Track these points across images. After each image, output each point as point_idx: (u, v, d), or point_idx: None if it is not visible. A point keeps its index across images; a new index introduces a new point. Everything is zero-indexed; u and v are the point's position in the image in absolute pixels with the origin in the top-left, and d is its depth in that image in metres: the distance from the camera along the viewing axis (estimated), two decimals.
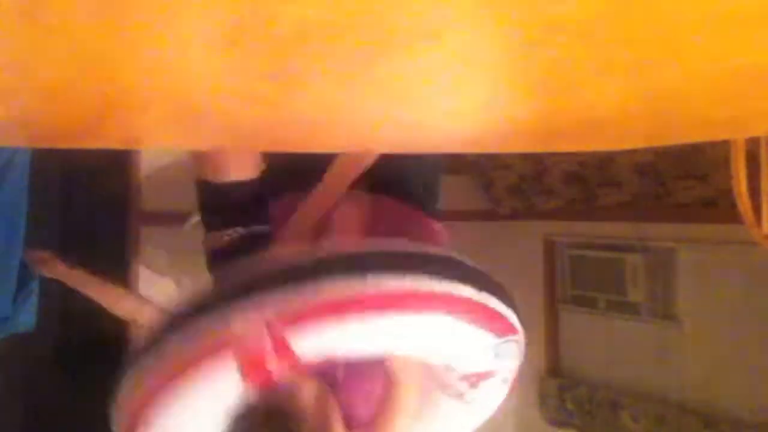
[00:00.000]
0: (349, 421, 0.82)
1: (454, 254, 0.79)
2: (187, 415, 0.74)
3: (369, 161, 0.91)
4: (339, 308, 0.69)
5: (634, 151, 2.38)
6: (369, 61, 0.29)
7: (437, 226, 1.01)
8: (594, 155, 2.56)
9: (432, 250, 0.81)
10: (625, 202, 2.71)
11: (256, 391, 0.73)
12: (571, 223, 3.03)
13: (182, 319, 0.74)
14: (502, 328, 0.80)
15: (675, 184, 2.45)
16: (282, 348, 0.69)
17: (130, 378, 0.75)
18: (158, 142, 0.87)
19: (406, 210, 0.98)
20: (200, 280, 0.85)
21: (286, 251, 0.83)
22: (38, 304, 1.51)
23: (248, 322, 0.69)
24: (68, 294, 1.66)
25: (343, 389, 0.84)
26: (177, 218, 2.58)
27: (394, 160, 0.90)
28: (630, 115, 0.50)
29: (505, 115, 0.49)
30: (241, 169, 0.88)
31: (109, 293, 0.96)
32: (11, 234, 1.34)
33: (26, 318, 1.44)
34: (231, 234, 0.87)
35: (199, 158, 0.90)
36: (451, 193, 3.29)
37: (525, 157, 2.87)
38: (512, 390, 0.92)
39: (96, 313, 1.65)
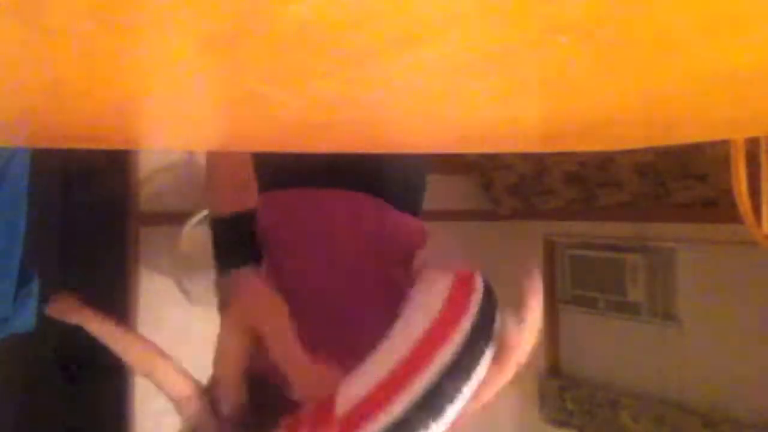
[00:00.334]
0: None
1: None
2: None
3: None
4: None
5: (634, 151, 2.38)
6: (369, 61, 0.29)
7: (416, 224, 1.00)
8: (594, 155, 2.56)
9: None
10: (625, 202, 2.71)
11: None
12: (571, 223, 3.03)
13: None
14: None
15: (675, 184, 2.46)
16: None
17: None
18: (158, 143, 0.87)
19: (387, 209, 0.98)
20: (200, 280, 0.84)
21: None
22: (38, 304, 1.52)
23: None
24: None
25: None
26: (177, 218, 2.58)
27: (378, 158, 0.90)
28: (630, 115, 0.50)
29: (505, 115, 0.49)
30: (242, 200, 0.87)
31: (125, 342, 0.93)
32: (11, 234, 1.34)
33: (26, 318, 1.44)
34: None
35: (205, 193, 0.89)
36: (451, 193, 3.31)
37: (525, 157, 2.87)
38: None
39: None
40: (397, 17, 0.22)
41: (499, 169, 3.12)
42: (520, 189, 3.12)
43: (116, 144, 0.65)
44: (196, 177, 2.67)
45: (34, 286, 1.46)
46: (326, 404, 0.67)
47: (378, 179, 0.99)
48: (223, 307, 0.87)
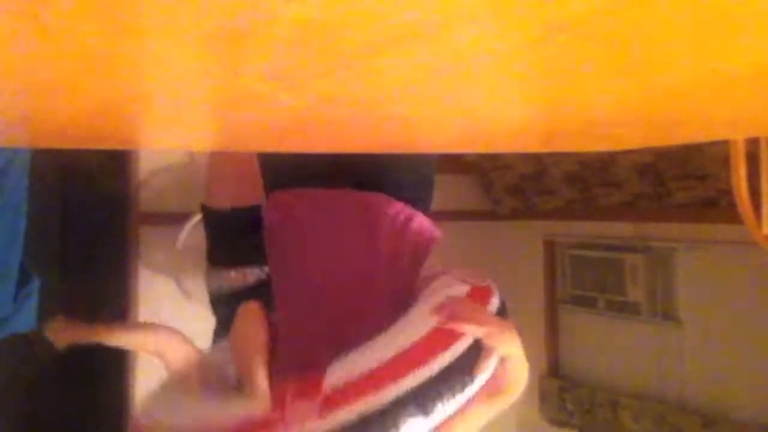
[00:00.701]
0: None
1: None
2: None
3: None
4: None
5: (634, 151, 2.38)
6: (369, 61, 0.29)
7: (427, 222, 0.99)
8: (594, 155, 2.56)
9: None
10: (625, 202, 2.71)
11: None
12: (571, 223, 3.03)
13: None
14: None
15: (675, 184, 2.45)
16: None
17: None
18: (158, 142, 0.87)
19: (396, 206, 0.97)
20: (199, 279, 0.84)
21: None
22: (38, 304, 1.51)
23: None
24: (68, 294, 1.66)
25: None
26: (177, 218, 2.58)
27: (386, 155, 0.89)
28: (630, 115, 0.50)
29: (506, 115, 0.49)
30: (243, 196, 0.87)
31: (128, 334, 0.93)
32: (11, 234, 1.34)
33: (26, 318, 1.43)
34: (248, 273, 0.84)
35: (205, 185, 0.88)
36: (451, 193, 3.31)
37: (525, 157, 2.87)
38: None
39: (96, 313, 1.65)
40: (396, 17, 0.22)
41: (499, 169, 3.12)
42: (520, 189, 3.12)
43: (116, 144, 0.65)
44: (196, 177, 2.67)
45: (34, 286, 1.46)
46: (316, 376, 0.68)
47: (386, 176, 0.98)
48: (214, 300, 0.87)
